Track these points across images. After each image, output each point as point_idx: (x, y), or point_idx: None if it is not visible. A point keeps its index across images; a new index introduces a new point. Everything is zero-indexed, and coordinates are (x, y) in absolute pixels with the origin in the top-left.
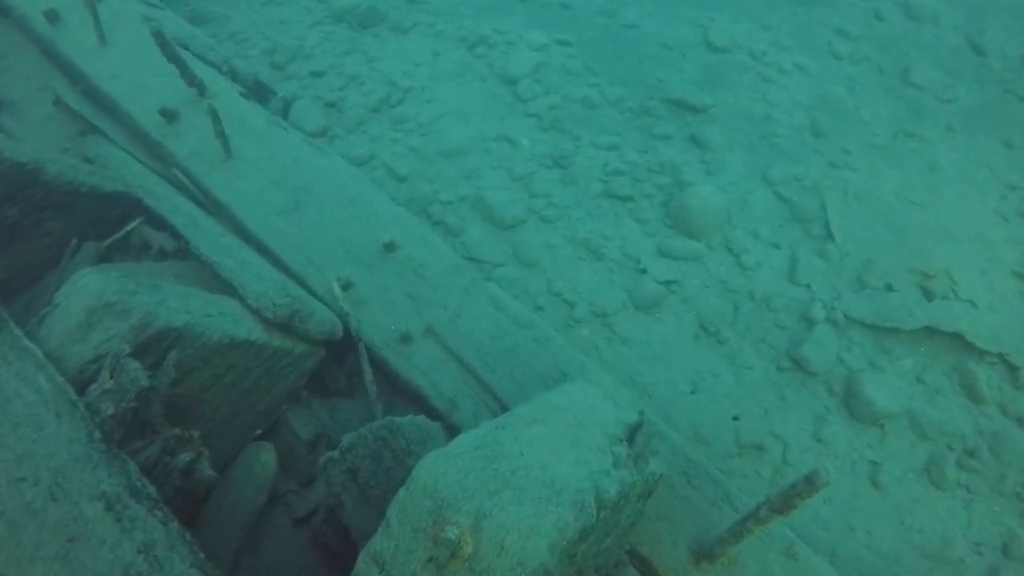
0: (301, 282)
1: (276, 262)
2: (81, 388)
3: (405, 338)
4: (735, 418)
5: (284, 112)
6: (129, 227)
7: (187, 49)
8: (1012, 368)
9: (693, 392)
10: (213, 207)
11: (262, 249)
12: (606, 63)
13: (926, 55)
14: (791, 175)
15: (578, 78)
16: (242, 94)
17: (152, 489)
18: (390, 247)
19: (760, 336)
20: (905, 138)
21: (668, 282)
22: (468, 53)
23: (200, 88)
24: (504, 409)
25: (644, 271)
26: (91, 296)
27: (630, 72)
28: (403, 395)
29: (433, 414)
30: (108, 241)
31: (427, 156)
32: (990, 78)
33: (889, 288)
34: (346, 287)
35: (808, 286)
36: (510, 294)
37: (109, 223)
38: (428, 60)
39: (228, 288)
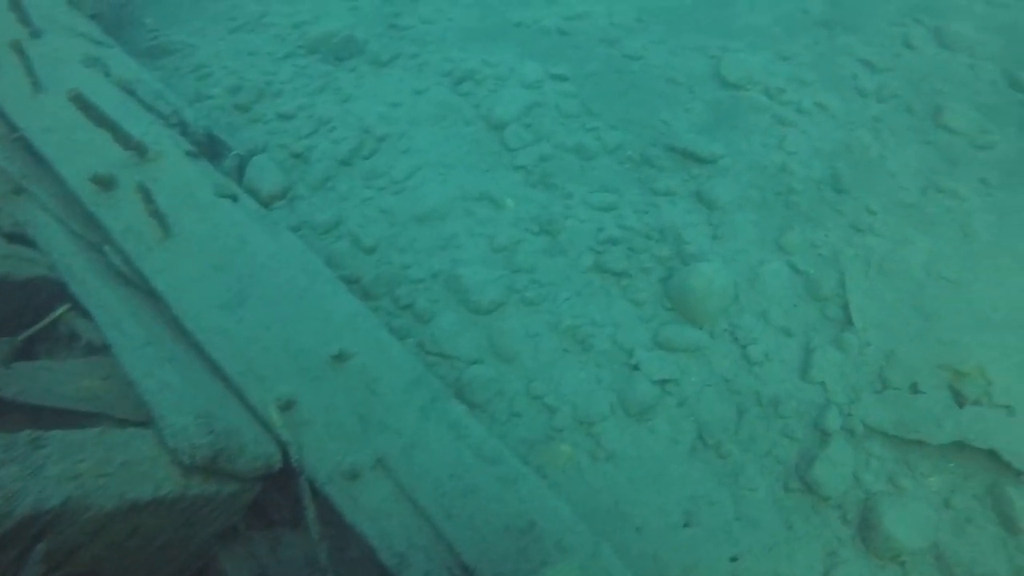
0: (240, 395)
1: (214, 368)
2: None
3: (352, 473)
4: (733, 559)
5: (239, 171)
6: (52, 316)
7: (133, 95)
8: None
9: (687, 525)
10: (148, 295)
11: (199, 350)
12: (606, 102)
13: (960, 91)
14: (808, 241)
15: (573, 121)
16: (190, 153)
17: None
18: (340, 357)
19: (766, 449)
20: (936, 194)
21: (664, 381)
22: (453, 91)
23: (140, 150)
24: (463, 569)
25: (637, 367)
26: None
27: (632, 112)
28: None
29: (382, 570)
30: (26, 334)
31: (400, 220)
32: None
33: (915, 389)
34: (288, 406)
35: (823, 384)
36: (484, 396)
37: (35, 310)
38: (408, 100)
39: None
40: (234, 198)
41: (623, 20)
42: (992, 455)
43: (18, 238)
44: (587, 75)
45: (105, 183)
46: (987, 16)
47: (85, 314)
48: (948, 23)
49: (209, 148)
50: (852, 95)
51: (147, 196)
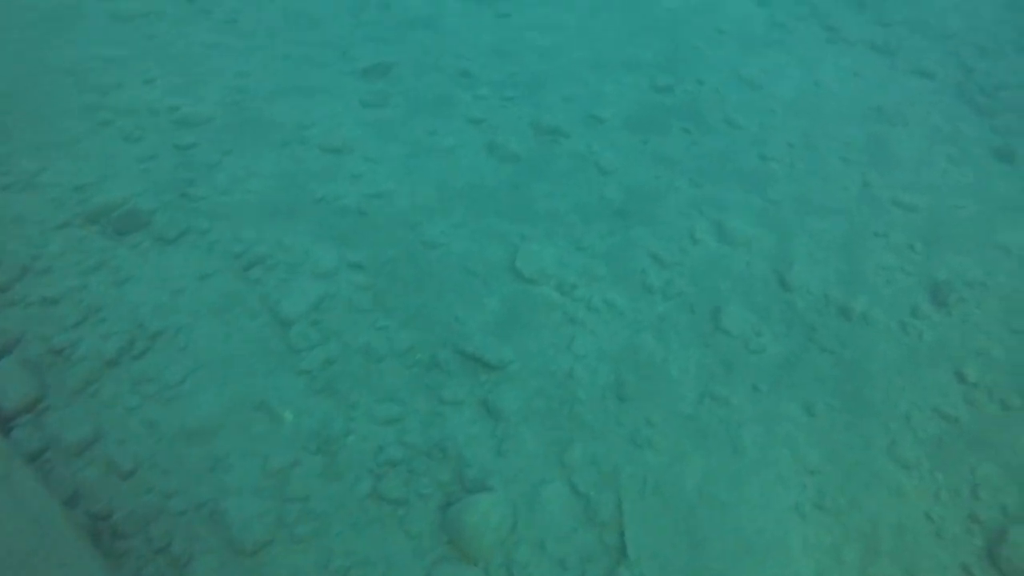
0: None
1: None
2: None
3: None
4: None
5: None
6: None
7: None
8: None
9: None
10: None
11: None
12: (400, 295)
13: (737, 290)
14: (590, 457)
15: (365, 318)
16: None
17: None
18: None
19: None
20: (711, 403)
21: None
22: (241, 277)
23: None
24: None
25: None
26: None
27: (426, 308)
28: None
29: None
30: None
31: (167, 435)
32: (796, 321)
33: None
34: None
35: None
36: None
37: None
38: (192, 285)
39: None
40: None
41: (425, 200)
42: None
43: None
44: (384, 263)
45: None
46: (763, 211)
47: None
48: (729, 217)
49: None
50: (640, 292)
51: None
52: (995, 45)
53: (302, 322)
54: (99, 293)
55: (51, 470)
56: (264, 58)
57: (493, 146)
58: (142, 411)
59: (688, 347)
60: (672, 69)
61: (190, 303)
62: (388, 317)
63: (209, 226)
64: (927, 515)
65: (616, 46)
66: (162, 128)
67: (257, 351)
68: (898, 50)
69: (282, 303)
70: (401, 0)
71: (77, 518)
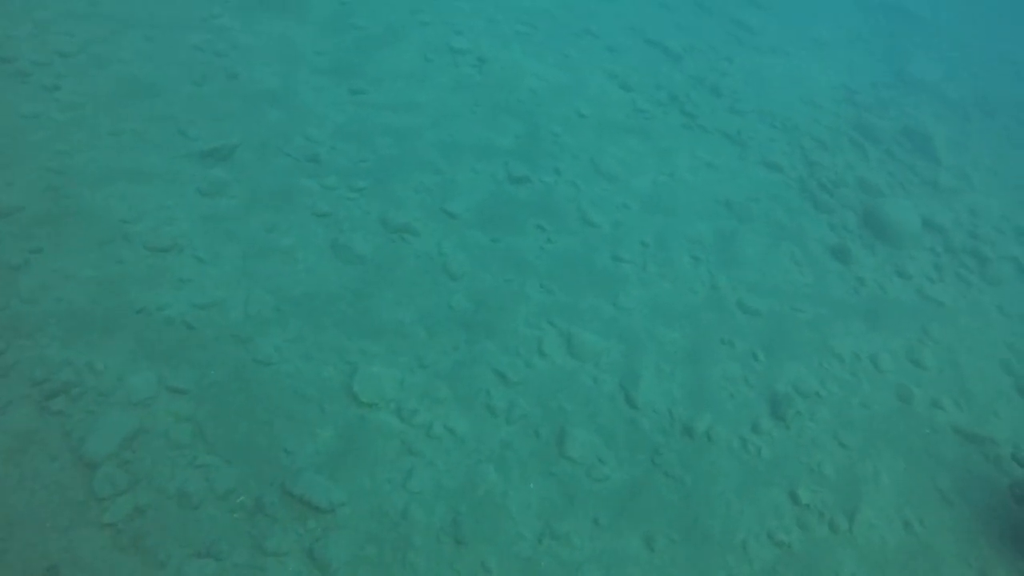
0: None
1: None
2: None
3: None
4: None
5: None
6: None
7: None
8: None
9: None
10: None
11: None
12: (226, 424)
13: (584, 410)
14: None
15: (183, 454)
16: None
17: None
18: None
19: None
20: (551, 542)
21: None
22: (41, 410)
23: None
24: None
25: None
26: None
27: (253, 439)
28: None
29: None
30: None
31: None
32: (641, 443)
33: None
34: None
35: None
36: None
37: None
38: None
39: None
40: None
41: (260, 310)
42: None
43: None
44: (209, 386)
45: None
46: (613, 320)
47: None
48: (579, 329)
49: None
50: (484, 415)
51: None
52: (833, 140)
53: (109, 463)
54: None
55: None
56: (90, 134)
57: (338, 246)
58: None
59: (530, 478)
60: (529, 157)
61: None
62: (210, 452)
63: (5, 346)
64: None
65: (473, 129)
66: None
67: (53, 501)
68: (749, 140)
69: (87, 440)
70: (249, 70)
71: None
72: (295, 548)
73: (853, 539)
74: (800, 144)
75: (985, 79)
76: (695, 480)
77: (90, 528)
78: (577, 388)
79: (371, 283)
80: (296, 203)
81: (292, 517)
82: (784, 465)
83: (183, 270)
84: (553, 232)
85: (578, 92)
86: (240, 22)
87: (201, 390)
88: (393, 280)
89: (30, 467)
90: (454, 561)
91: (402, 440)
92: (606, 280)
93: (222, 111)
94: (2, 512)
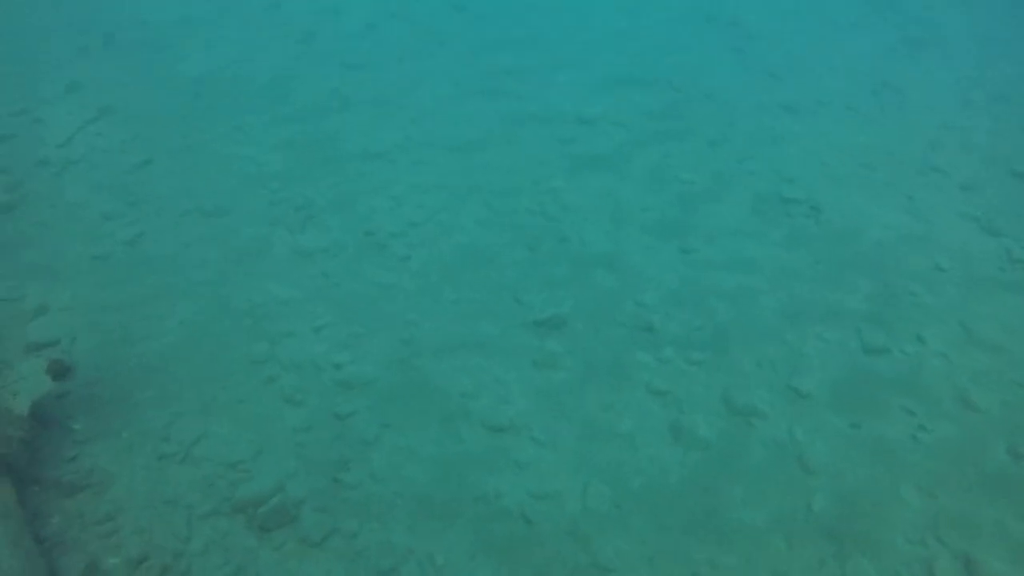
0: None
1: None
2: None
3: None
4: None
5: None
6: None
7: None
8: None
9: None
10: None
11: None
12: None
13: None
14: None
15: None
16: None
17: None
18: None
19: None
20: None
21: None
22: None
23: None
24: None
25: None
26: None
27: None
28: None
29: None
30: None
31: None
32: None
33: None
34: None
35: None
36: None
37: None
38: None
39: None
40: None
41: (598, 505)
42: None
43: None
44: None
45: None
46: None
47: None
48: (982, 553)
49: None
50: None
51: None
52: None
53: None
54: None
55: None
56: (433, 303)
57: (677, 429)
58: None
59: None
60: (885, 321)
61: None
62: None
63: (358, 527)
64: None
65: (816, 289)
66: (324, 389)
67: None
68: None
69: None
70: (579, 232)
71: None
72: None
73: None
74: None
75: None
76: None
77: None
78: None
79: (717, 476)
80: (631, 378)
81: None
82: None
83: (520, 453)
84: (925, 417)
85: (931, 240)
86: (567, 182)
87: None
88: (741, 472)
89: None
90: None
91: None
92: (1005, 484)
93: (554, 277)
94: None
